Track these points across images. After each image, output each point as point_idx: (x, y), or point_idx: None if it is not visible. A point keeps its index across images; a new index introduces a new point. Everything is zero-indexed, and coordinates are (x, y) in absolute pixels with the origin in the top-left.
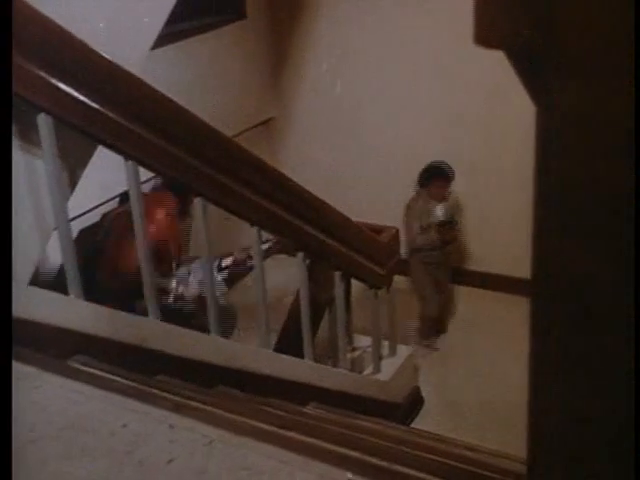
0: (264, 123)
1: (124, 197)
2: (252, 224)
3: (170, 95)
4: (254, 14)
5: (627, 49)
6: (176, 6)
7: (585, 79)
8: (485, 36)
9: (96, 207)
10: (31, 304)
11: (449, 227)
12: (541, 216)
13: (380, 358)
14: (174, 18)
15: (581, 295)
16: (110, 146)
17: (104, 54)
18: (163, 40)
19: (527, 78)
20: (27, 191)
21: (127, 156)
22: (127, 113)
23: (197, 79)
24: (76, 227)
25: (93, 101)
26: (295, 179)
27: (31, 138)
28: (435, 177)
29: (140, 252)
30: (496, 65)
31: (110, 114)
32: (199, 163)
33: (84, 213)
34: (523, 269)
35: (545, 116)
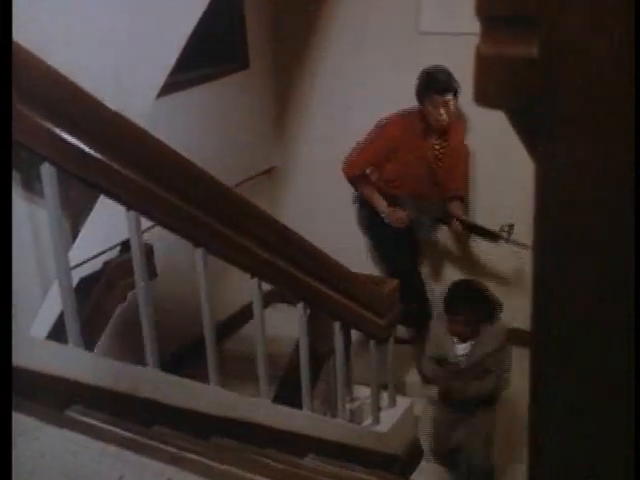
0: (266, 172)
1: (125, 246)
2: (252, 275)
3: (172, 144)
4: (257, 64)
5: (622, 103)
6: (180, 55)
7: (582, 130)
8: (485, 96)
9: (97, 256)
10: (30, 353)
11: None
12: (539, 262)
13: (379, 409)
14: (178, 67)
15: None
16: (112, 195)
17: (108, 103)
18: (167, 89)
19: (525, 135)
20: (29, 239)
21: (129, 206)
22: (129, 163)
23: (200, 128)
24: (76, 275)
25: (96, 151)
26: (296, 229)
27: (33, 187)
28: (450, 307)
29: (141, 304)
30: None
31: (112, 164)
32: (200, 213)
33: (85, 262)
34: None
35: (544, 167)
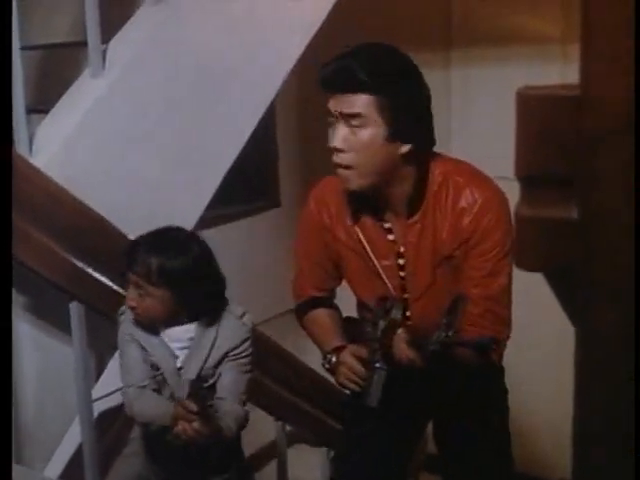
0: (294, 310)
1: None
2: (276, 418)
3: None
4: (288, 202)
5: None
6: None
7: (619, 303)
8: (525, 260)
9: (118, 390)
10: None
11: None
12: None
13: None
14: (210, 204)
15: None
16: None
17: None
18: (198, 226)
19: (565, 300)
20: (53, 375)
21: None
22: None
23: (229, 264)
24: (96, 409)
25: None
26: (322, 370)
27: (60, 323)
28: None
29: None
30: None
31: None
32: None
33: (105, 395)
34: None
35: (581, 328)
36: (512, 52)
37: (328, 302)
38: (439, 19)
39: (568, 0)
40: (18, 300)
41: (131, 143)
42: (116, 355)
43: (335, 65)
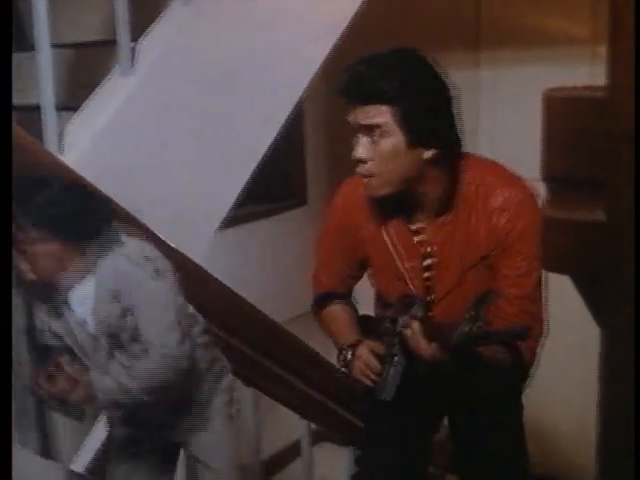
0: None
1: None
2: (303, 416)
3: (230, 276)
4: (314, 201)
5: None
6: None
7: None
8: (551, 262)
9: None
10: None
11: None
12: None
13: None
14: (237, 202)
15: None
16: None
17: (168, 238)
18: (225, 223)
19: (591, 301)
20: None
21: None
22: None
23: (258, 261)
24: None
25: None
26: None
27: None
28: None
29: None
30: None
31: None
32: (251, 352)
33: None
34: None
35: (607, 332)
36: (541, 53)
37: (345, 299)
38: (468, 20)
39: (598, 0)
40: None
41: (159, 141)
42: None
43: (350, 77)
